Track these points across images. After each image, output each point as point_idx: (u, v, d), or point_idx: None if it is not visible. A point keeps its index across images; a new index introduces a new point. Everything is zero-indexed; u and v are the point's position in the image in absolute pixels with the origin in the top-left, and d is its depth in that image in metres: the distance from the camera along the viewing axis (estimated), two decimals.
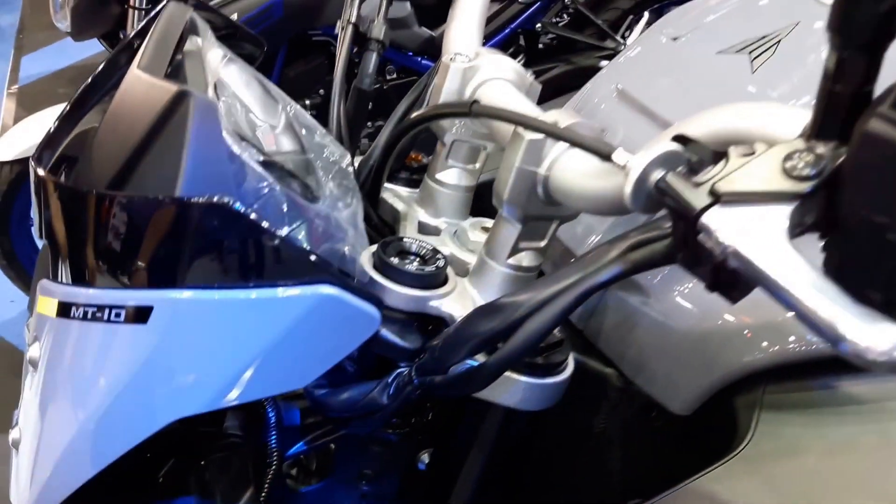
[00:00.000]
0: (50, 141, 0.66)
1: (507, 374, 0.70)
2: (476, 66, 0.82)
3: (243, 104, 0.70)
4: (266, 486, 0.76)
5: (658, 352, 0.80)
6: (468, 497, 0.81)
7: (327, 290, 0.60)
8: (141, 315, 0.56)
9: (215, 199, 0.55)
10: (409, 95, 0.88)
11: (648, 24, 2.78)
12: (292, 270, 0.59)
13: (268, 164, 0.63)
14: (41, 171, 0.62)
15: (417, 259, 0.75)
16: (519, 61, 2.76)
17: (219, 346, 0.58)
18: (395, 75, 2.51)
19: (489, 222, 0.84)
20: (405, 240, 0.76)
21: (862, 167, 0.47)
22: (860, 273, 0.48)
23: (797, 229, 0.51)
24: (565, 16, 2.82)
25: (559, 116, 0.69)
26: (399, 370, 0.71)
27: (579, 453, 0.87)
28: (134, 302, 0.57)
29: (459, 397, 0.73)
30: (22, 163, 2.49)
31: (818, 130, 0.51)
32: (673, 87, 0.90)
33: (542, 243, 0.76)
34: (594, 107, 0.95)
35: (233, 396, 0.59)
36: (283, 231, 0.59)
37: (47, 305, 0.61)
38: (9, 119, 4.60)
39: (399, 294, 0.72)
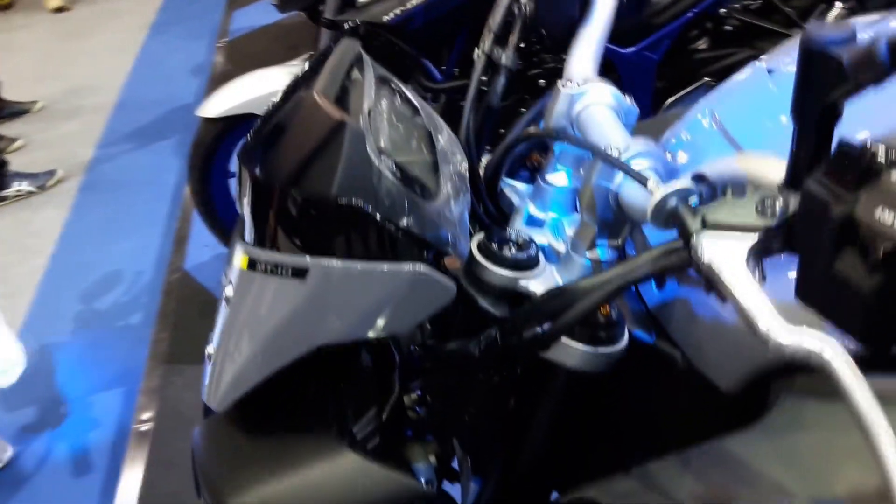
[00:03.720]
0: (251, 137, 0.97)
1: (569, 342, 0.95)
2: (582, 92, 1.07)
3: (391, 121, 0.99)
4: (386, 411, 1.06)
5: (714, 339, 1.01)
6: (539, 441, 1.08)
7: (421, 268, 0.88)
8: (301, 273, 0.86)
9: (353, 201, 0.84)
10: (530, 112, 1.14)
11: (840, 15, 2.79)
12: (401, 253, 0.88)
13: (399, 170, 0.91)
14: (242, 163, 0.94)
15: (515, 246, 1.01)
16: (701, 45, 2.90)
17: (349, 299, 0.88)
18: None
19: None
20: (508, 230, 1.03)
21: (804, 213, 0.69)
22: (812, 287, 0.70)
23: (767, 253, 0.74)
24: (752, 2, 2.91)
25: (632, 143, 0.93)
26: (489, 331, 0.98)
27: (643, 422, 1.11)
28: (297, 264, 0.87)
29: (533, 356, 0.99)
30: (224, 121, 2.87)
31: (787, 182, 0.73)
32: (755, 118, 1.10)
33: (618, 241, 1.00)
34: (692, 126, 1.17)
35: (356, 334, 0.90)
36: (403, 222, 0.87)
37: (240, 259, 0.92)
38: (216, 69, 5.20)
39: (495, 273, 0.99)
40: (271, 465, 0.95)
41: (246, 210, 0.93)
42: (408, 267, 0.88)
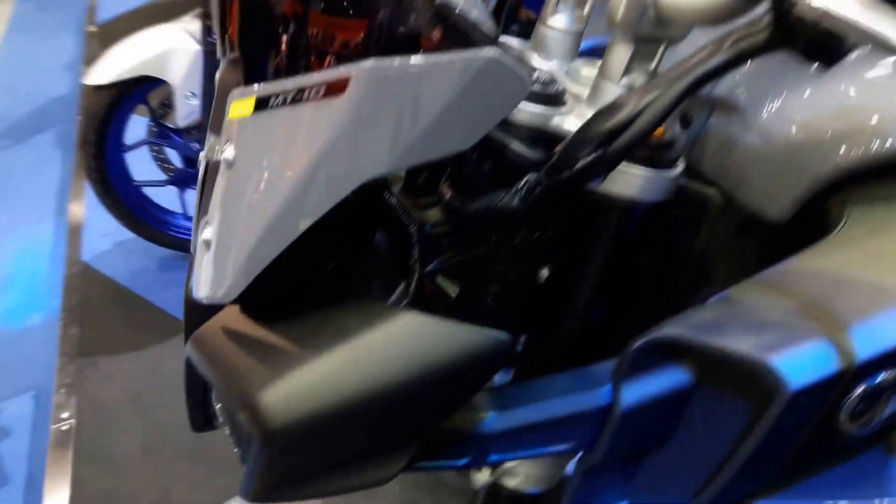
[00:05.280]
0: None
1: (628, 168, 0.86)
2: None
3: None
4: (411, 293, 0.94)
5: (756, 165, 0.94)
6: (582, 304, 0.98)
7: (491, 52, 0.72)
8: (337, 88, 0.70)
9: None
10: None
11: None
12: (463, 40, 0.73)
13: None
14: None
15: (538, 83, 0.90)
16: None
17: (403, 109, 0.72)
18: None
19: (599, 61, 0.99)
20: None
21: None
22: None
23: None
24: None
25: None
26: (528, 176, 0.87)
27: (683, 270, 1.03)
28: (333, 77, 0.70)
29: (582, 197, 0.89)
30: (116, 87, 2.67)
31: None
32: None
33: (653, 65, 0.91)
34: None
35: (411, 158, 0.74)
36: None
37: (242, 108, 0.75)
38: (90, 58, 4.87)
39: (523, 111, 0.88)
40: (314, 341, 0.80)
41: (245, 47, 0.78)
42: (477, 54, 0.72)
